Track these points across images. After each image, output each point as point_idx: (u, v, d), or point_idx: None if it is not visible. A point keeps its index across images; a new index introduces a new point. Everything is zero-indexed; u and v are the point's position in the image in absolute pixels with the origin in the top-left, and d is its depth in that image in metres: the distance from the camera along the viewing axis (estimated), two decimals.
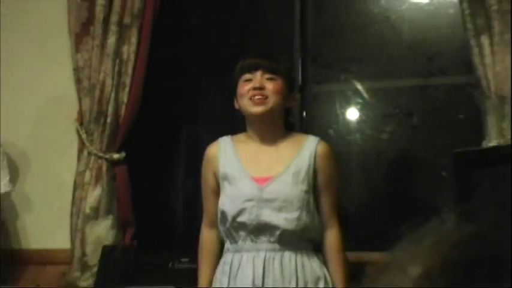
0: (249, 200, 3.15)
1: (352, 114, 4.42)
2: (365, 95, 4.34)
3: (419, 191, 4.35)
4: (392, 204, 4.33)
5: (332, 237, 3.21)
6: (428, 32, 4.25)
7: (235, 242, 3.25)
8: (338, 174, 3.35)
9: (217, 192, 3.26)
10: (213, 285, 3.35)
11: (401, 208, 4.25)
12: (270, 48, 4.48)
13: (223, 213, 3.21)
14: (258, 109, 3.16)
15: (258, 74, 3.19)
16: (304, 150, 3.26)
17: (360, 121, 4.41)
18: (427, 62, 4.24)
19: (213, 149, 3.35)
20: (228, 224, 3.21)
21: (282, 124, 3.31)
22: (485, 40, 3.67)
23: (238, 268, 3.22)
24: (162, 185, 4.62)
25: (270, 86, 3.19)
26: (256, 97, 3.17)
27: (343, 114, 4.43)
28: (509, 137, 3.67)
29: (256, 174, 3.21)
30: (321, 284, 3.16)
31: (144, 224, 4.31)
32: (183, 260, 3.93)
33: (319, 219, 3.21)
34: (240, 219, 3.16)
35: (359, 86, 4.34)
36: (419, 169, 4.39)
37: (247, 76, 3.20)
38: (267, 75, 3.20)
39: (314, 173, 3.22)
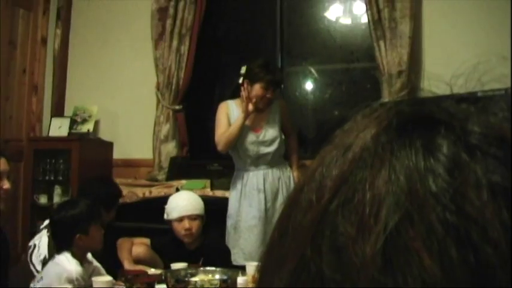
0: (252, 143, 4.47)
1: (308, 84, 6.12)
2: (314, 73, 6.01)
3: (343, 124, 6.08)
4: (329, 131, 6.06)
5: (291, 141, 4.70)
6: (351, 38, 5.86)
7: (244, 165, 4.53)
8: (290, 113, 4.74)
9: (228, 121, 4.47)
10: (231, 192, 4.60)
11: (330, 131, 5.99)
12: (261, 45, 6.17)
13: (235, 149, 4.48)
14: (261, 107, 4.43)
15: (270, 88, 4.39)
16: (275, 107, 4.55)
17: (312, 88, 6.11)
18: (350, 54, 5.88)
19: (224, 104, 4.57)
20: (239, 155, 4.52)
21: None
22: (381, 43, 5.28)
23: (247, 180, 4.50)
24: (202, 123, 6.03)
25: (271, 94, 4.44)
26: (266, 102, 4.44)
27: (303, 84, 6.12)
28: (395, 96, 5.11)
29: (252, 127, 4.50)
30: (291, 179, 4.53)
31: (193, 144, 5.95)
32: (214, 164, 5.40)
33: (283, 141, 4.56)
34: (247, 153, 4.49)
35: (311, 68, 6.01)
36: (345, 113, 6.09)
37: (264, 86, 4.36)
38: (273, 90, 4.42)
39: (281, 118, 4.56)
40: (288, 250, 0.40)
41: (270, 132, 4.51)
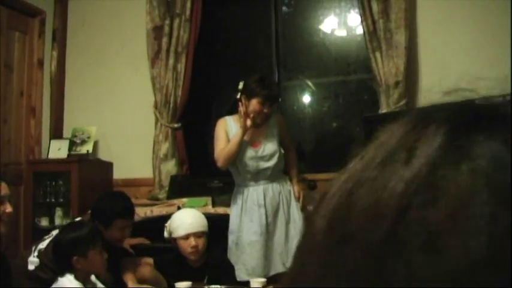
0: (251, 159, 4.48)
1: (305, 97, 6.11)
2: (312, 86, 6.00)
3: (344, 136, 5.90)
4: (328, 144, 5.88)
5: (291, 155, 4.71)
6: (346, 50, 5.89)
7: (244, 180, 4.53)
8: (288, 127, 4.74)
9: (227, 137, 4.47)
10: (231, 208, 4.59)
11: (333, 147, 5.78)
12: (257, 60, 6.18)
13: (235, 165, 4.50)
14: (259, 122, 4.45)
15: (267, 104, 4.40)
16: (272, 121, 4.54)
17: (310, 101, 6.10)
18: (346, 66, 5.89)
19: (222, 120, 4.57)
20: (239, 171, 4.52)
21: None
22: (377, 54, 5.29)
23: (247, 195, 4.50)
24: (201, 140, 6.12)
25: (269, 109, 4.45)
26: (264, 117, 4.45)
27: (301, 97, 6.12)
28: (393, 107, 5.15)
29: (251, 142, 4.50)
30: (291, 193, 4.54)
31: (192, 162, 5.97)
32: (215, 181, 5.41)
33: (282, 156, 4.57)
34: (247, 169, 4.50)
35: (308, 81, 6.00)
36: (343, 125, 5.97)
37: (261, 101, 4.37)
38: (270, 106, 4.44)
39: (279, 132, 4.55)
40: (353, 257, 0.39)
41: (269, 147, 4.52)
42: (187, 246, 3.88)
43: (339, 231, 0.40)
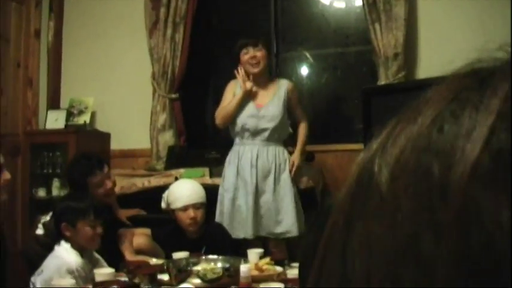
0: (251, 117, 4.56)
1: (304, 69, 6.12)
2: (310, 57, 6.00)
3: (342, 108, 6.05)
4: (326, 116, 5.96)
5: (301, 127, 4.71)
6: (345, 22, 5.88)
7: (242, 138, 4.61)
8: (299, 98, 4.84)
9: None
10: (226, 166, 4.68)
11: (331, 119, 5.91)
12: (256, 32, 5.84)
13: (235, 122, 4.60)
14: (254, 70, 4.57)
15: (250, 48, 4.58)
16: (281, 87, 4.64)
17: (308, 73, 6.11)
18: (345, 38, 5.89)
19: (233, 82, 4.71)
20: (238, 128, 4.60)
21: (266, 73, 4.69)
22: (377, 26, 5.28)
23: (243, 154, 4.60)
24: (198, 111, 6.23)
25: (258, 54, 4.57)
26: (256, 63, 4.55)
27: (299, 68, 6.11)
28: (392, 79, 5.18)
29: (256, 101, 4.62)
30: (286, 163, 4.58)
31: (190, 133, 6.01)
32: (212, 152, 5.45)
33: (287, 125, 4.63)
34: (246, 126, 4.58)
35: (307, 53, 6.01)
36: (342, 96, 6.02)
37: (244, 50, 4.58)
38: (256, 48, 4.59)
39: (287, 99, 4.60)
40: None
41: (271, 109, 4.58)
42: (186, 217, 3.90)
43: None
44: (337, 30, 5.91)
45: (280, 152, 4.61)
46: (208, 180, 4.95)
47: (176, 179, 4.92)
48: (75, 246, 3.36)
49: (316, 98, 6.06)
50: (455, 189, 0.33)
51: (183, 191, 3.99)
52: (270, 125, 4.56)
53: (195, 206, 3.91)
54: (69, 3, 6.36)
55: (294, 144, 4.77)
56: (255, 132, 4.58)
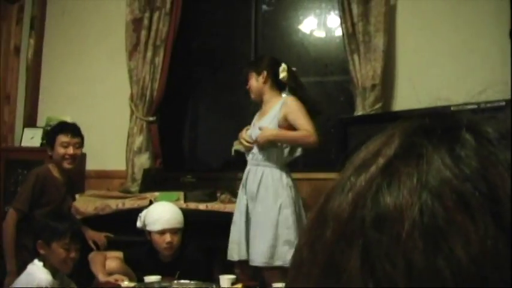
0: (249, 137, 4.51)
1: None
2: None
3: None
4: None
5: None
6: (325, 51, 5.91)
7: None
8: (300, 110, 4.37)
9: None
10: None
11: None
12: (236, 58, 6.14)
13: None
14: (253, 96, 4.59)
15: (246, 75, 4.58)
16: (279, 104, 4.45)
17: None
18: (324, 67, 5.91)
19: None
20: None
21: (268, 93, 4.51)
22: (355, 57, 5.31)
23: (243, 174, 4.57)
24: (175, 134, 6.26)
25: (249, 81, 4.55)
26: (250, 91, 4.57)
27: None
28: (368, 110, 5.20)
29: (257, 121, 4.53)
30: (277, 183, 4.33)
31: (166, 156, 5.96)
32: (188, 176, 5.37)
33: (277, 146, 4.41)
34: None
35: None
36: (318, 125, 5.14)
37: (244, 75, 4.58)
38: (247, 77, 4.56)
39: (282, 116, 4.36)
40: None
41: (257, 131, 4.42)
42: (162, 241, 3.90)
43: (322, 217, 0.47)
44: (317, 59, 5.93)
45: (269, 172, 4.37)
46: (182, 204, 4.90)
47: (151, 202, 4.90)
48: (48, 265, 3.36)
49: None
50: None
51: (162, 214, 3.98)
52: (255, 146, 4.43)
53: (173, 231, 3.92)
54: (51, 22, 6.35)
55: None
56: (248, 153, 4.54)
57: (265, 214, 4.28)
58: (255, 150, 4.44)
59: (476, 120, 0.46)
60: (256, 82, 4.52)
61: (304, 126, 4.32)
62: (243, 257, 4.34)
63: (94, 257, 4.01)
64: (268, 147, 4.39)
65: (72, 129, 4.70)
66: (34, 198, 4.51)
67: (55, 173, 4.66)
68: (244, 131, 4.61)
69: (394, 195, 0.42)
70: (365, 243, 0.42)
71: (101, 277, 3.80)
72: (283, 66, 4.53)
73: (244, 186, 4.44)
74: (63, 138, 4.63)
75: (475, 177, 0.41)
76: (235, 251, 4.40)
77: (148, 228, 3.95)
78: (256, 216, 4.33)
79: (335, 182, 0.48)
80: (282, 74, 4.47)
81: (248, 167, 4.50)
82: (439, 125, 0.46)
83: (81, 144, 4.77)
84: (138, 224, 4.04)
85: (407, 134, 0.46)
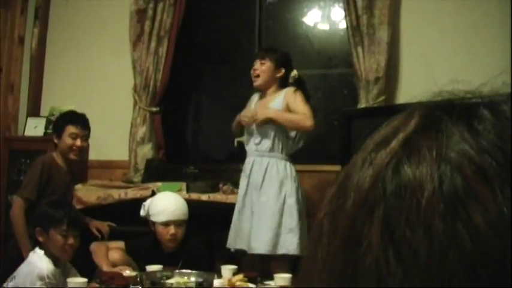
0: (250, 127, 4.55)
1: None
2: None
3: (321, 130, 5.58)
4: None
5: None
6: (329, 44, 5.91)
7: (248, 150, 4.60)
8: (301, 100, 4.45)
9: None
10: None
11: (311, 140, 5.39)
12: (239, 50, 6.16)
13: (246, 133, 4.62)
14: (254, 83, 4.57)
15: (257, 60, 4.55)
16: (282, 95, 4.50)
17: None
18: (328, 60, 5.91)
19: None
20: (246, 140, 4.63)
21: (274, 87, 4.56)
22: (359, 50, 5.31)
23: (244, 165, 4.58)
24: (178, 126, 6.29)
25: (259, 66, 4.50)
26: (254, 75, 4.55)
27: None
28: (372, 103, 5.21)
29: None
30: (282, 174, 4.38)
31: (169, 147, 5.98)
32: (190, 167, 5.37)
33: (279, 133, 4.43)
34: (247, 136, 4.62)
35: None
36: (322, 118, 5.61)
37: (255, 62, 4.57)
38: (261, 60, 4.54)
39: (285, 106, 4.42)
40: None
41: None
42: (166, 233, 3.89)
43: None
44: (321, 52, 5.93)
45: (274, 163, 4.43)
46: (185, 195, 4.90)
47: (153, 192, 4.92)
48: (48, 253, 3.37)
49: None
50: None
51: (167, 205, 3.97)
52: (259, 134, 4.47)
53: (177, 223, 3.91)
54: (55, 12, 6.34)
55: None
56: (251, 143, 4.55)
57: (270, 204, 4.31)
58: (258, 140, 4.46)
59: (494, 100, 0.49)
60: (271, 72, 4.53)
61: (302, 110, 4.37)
62: (243, 246, 4.36)
63: (96, 248, 4.01)
64: (272, 134, 4.43)
65: (82, 121, 4.70)
66: (41, 187, 4.49)
67: (59, 161, 4.65)
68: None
69: (414, 166, 0.44)
70: (385, 211, 0.44)
71: (105, 268, 3.80)
72: (295, 72, 4.64)
73: (248, 177, 4.43)
74: (72, 129, 4.62)
75: (493, 149, 0.44)
76: (234, 240, 4.43)
77: (152, 218, 3.95)
78: (260, 206, 4.34)
79: (355, 158, 0.50)
80: (291, 80, 4.58)
81: (252, 158, 4.50)
82: (458, 103, 0.49)
83: (88, 137, 4.76)
84: (142, 212, 4.03)
85: (427, 111, 0.49)
